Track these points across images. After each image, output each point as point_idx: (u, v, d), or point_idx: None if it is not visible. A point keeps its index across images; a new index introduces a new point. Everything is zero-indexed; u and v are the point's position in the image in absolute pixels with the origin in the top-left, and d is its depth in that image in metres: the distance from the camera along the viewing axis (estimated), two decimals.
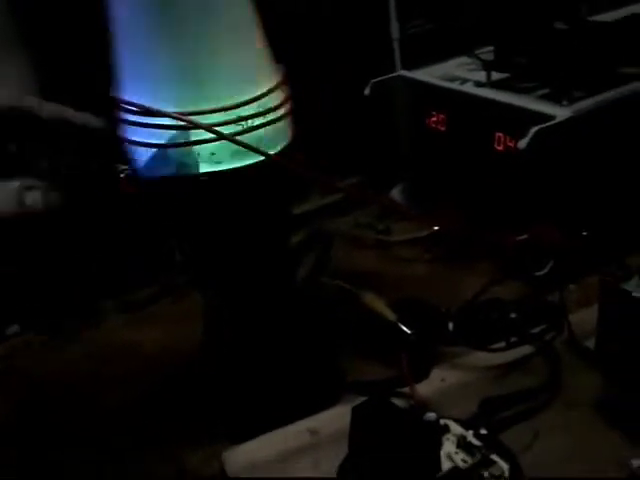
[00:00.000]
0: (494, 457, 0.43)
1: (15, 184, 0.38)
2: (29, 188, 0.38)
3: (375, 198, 0.66)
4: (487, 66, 0.69)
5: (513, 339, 0.55)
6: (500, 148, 0.64)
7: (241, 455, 0.49)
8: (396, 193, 0.83)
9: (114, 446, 0.53)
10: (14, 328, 0.69)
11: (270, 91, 0.43)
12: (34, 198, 0.38)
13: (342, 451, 0.45)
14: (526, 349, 0.55)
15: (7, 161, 0.41)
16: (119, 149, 0.42)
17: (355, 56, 0.83)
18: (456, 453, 0.43)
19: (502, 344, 0.54)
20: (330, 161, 0.56)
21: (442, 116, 0.72)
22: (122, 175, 0.73)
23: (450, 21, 0.81)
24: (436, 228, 0.74)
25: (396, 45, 0.82)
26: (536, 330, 0.56)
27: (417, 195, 0.81)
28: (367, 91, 0.75)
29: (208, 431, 0.53)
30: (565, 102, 0.60)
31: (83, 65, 0.57)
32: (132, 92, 0.42)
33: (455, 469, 0.41)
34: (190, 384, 0.57)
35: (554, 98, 0.62)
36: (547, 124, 0.56)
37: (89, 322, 0.69)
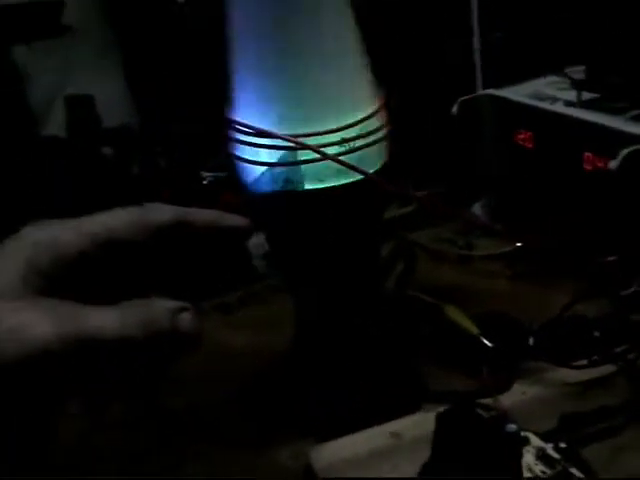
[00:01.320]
0: (573, 470, 0.44)
1: (167, 303, 0.33)
2: (182, 310, 0.33)
3: (458, 211, 0.67)
4: (578, 85, 0.70)
5: (595, 357, 0.55)
6: (589, 168, 0.65)
7: (326, 452, 0.52)
8: (477, 208, 0.85)
9: (201, 441, 0.57)
10: None
11: (372, 115, 0.46)
12: (187, 320, 0.33)
13: (421, 455, 0.47)
14: (608, 368, 0.55)
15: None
16: None
17: (439, 75, 0.85)
18: (535, 464, 0.45)
19: (584, 362, 0.55)
20: (419, 177, 0.59)
21: (530, 133, 0.73)
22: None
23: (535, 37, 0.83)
24: (519, 244, 0.75)
25: (477, 62, 0.84)
26: (619, 349, 0.56)
27: (499, 212, 0.83)
28: (454, 109, 0.77)
29: (296, 430, 0.57)
30: None
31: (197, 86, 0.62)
32: (244, 112, 0.46)
33: (535, 478, 0.43)
34: (277, 383, 0.60)
35: None
36: (638, 146, 0.56)
37: None
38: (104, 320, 0.31)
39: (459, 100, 0.76)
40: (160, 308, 0.33)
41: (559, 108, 0.69)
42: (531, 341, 0.59)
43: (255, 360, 0.65)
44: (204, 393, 0.63)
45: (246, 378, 0.63)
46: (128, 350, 0.32)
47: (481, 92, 0.78)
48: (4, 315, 0.29)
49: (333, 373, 0.57)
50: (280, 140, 0.43)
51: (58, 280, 0.33)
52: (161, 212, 0.37)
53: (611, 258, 0.54)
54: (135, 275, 0.38)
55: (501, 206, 0.82)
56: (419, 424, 0.51)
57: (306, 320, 0.58)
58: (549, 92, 0.74)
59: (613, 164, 0.56)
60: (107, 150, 1.01)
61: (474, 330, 0.59)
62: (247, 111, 0.45)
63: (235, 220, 0.39)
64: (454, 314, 0.61)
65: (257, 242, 0.77)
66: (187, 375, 0.66)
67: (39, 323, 0.30)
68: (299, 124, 0.44)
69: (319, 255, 0.50)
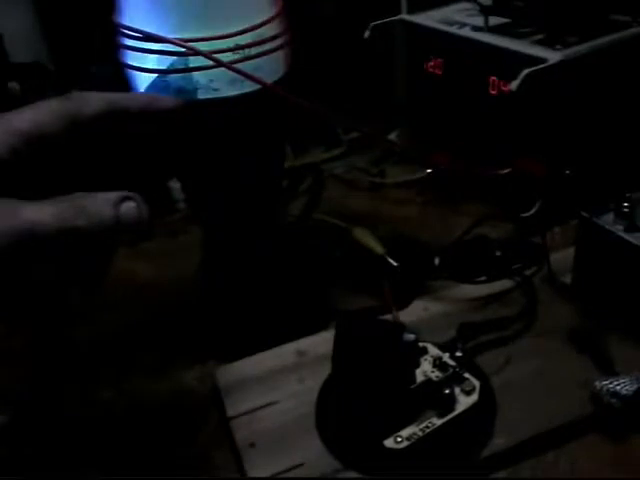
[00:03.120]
0: (467, 375, 0.46)
1: (107, 194, 0.33)
2: (125, 199, 0.33)
3: (374, 135, 0.67)
4: (485, 10, 0.70)
5: (494, 273, 0.57)
6: (494, 92, 0.65)
7: (232, 372, 0.52)
8: (394, 137, 0.85)
9: (110, 367, 0.57)
10: None
11: (268, 21, 0.44)
12: (131, 208, 0.33)
13: (326, 370, 0.48)
14: (507, 283, 0.58)
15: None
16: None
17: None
18: (432, 372, 0.46)
19: (484, 278, 0.57)
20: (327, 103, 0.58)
21: (439, 60, 0.73)
22: None
23: None
24: (429, 171, 0.76)
25: None
26: (517, 266, 0.58)
27: (414, 140, 0.83)
28: (367, 34, 0.76)
29: (201, 353, 0.57)
30: (558, 46, 0.61)
31: None
32: (133, 18, 0.43)
33: (428, 381, 0.44)
34: (183, 309, 0.60)
35: (548, 43, 0.63)
36: (537, 67, 0.57)
37: None
38: (40, 213, 0.30)
39: (371, 24, 0.75)
40: (100, 199, 0.32)
41: (466, 32, 0.69)
42: (436, 261, 0.60)
43: (160, 288, 0.64)
44: (109, 321, 0.61)
45: (151, 306, 0.62)
46: (69, 243, 0.31)
47: (393, 17, 0.77)
48: None
49: (240, 297, 0.56)
50: (170, 45, 0.41)
51: None
52: (91, 101, 0.35)
53: (505, 171, 0.55)
54: (67, 171, 0.37)
55: (415, 135, 0.83)
56: (324, 342, 0.52)
57: (212, 246, 0.57)
58: (458, 18, 0.74)
59: (513, 84, 0.57)
60: (14, 85, 0.95)
61: (380, 250, 0.60)
62: (135, 14, 0.43)
63: (167, 101, 0.38)
64: (361, 235, 0.61)
65: (180, 186, 0.75)
66: (92, 305, 0.64)
67: None
68: (190, 28, 0.42)
69: (217, 170, 0.48)
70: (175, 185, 0.76)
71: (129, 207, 0.33)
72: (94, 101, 0.35)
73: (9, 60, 0.94)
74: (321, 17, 0.79)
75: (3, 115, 0.34)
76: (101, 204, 0.32)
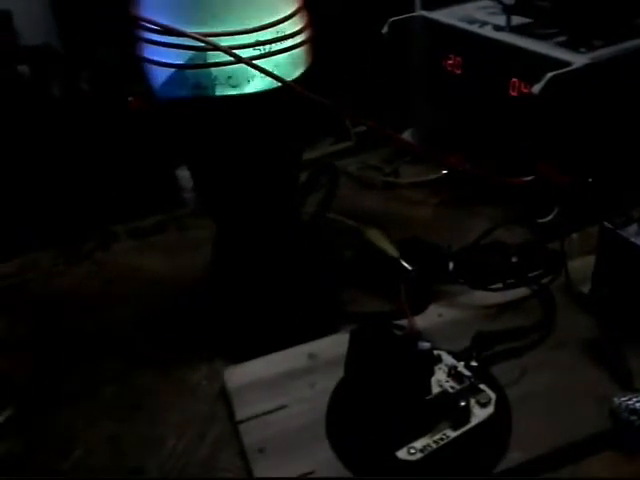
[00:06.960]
0: (482, 386, 0.45)
1: None
2: None
3: (388, 134, 0.66)
4: (508, 10, 0.68)
5: (511, 281, 0.56)
6: (514, 94, 0.64)
7: (241, 373, 0.51)
8: (407, 136, 0.83)
9: (116, 364, 0.56)
10: None
11: (288, 17, 0.43)
12: None
13: (338, 374, 0.47)
14: (523, 291, 0.56)
15: None
16: None
17: None
18: (446, 381, 0.45)
19: (500, 285, 0.56)
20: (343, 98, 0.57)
21: (459, 59, 0.72)
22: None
23: None
24: (444, 172, 0.75)
25: None
26: (534, 274, 0.57)
27: (428, 139, 0.82)
28: (385, 29, 0.75)
29: (210, 351, 0.56)
30: (583, 49, 0.60)
31: None
32: (152, 10, 0.42)
33: (444, 393, 0.43)
34: (192, 306, 0.59)
35: (572, 45, 0.62)
36: (562, 70, 0.56)
37: (100, 245, 0.71)
38: None
39: (389, 20, 0.73)
40: None
41: (487, 32, 0.68)
42: (451, 265, 0.59)
43: (169, 284, 0.63)
44: (116, 316, 0.60)
45: (159, 302, 0.61)
46: None
47: (413, 13, 0.75)
48: None
49: (251, 296, 0.55)
50: (189, 39, 0.40)
51: None
52: None
53: (527, 178, 0.53)
54: None
55: (430, 134, 0.81)
56: (336, 345, 0.51)
57: (224, 241, 0.55)
58: (479, 16, 0.73)
59: (537, 87, 0.55)
60: (24, 69, 0.94)
61: (394, 253, 0.58)
62: (153, 6, 0.41)
63: None
64: (375, 237, 0.60)
65: (188, 175, 0.74)
66: (96, 299, 0.64)
67: None
68: (210, 23, 0.40)
69: (233, 168, 0.47)
70: (183, 173, 0.75)
71: None
72: None
73: (20, 42, 0.93)
74: (338, 13, 0.78)
75: None
76: None
